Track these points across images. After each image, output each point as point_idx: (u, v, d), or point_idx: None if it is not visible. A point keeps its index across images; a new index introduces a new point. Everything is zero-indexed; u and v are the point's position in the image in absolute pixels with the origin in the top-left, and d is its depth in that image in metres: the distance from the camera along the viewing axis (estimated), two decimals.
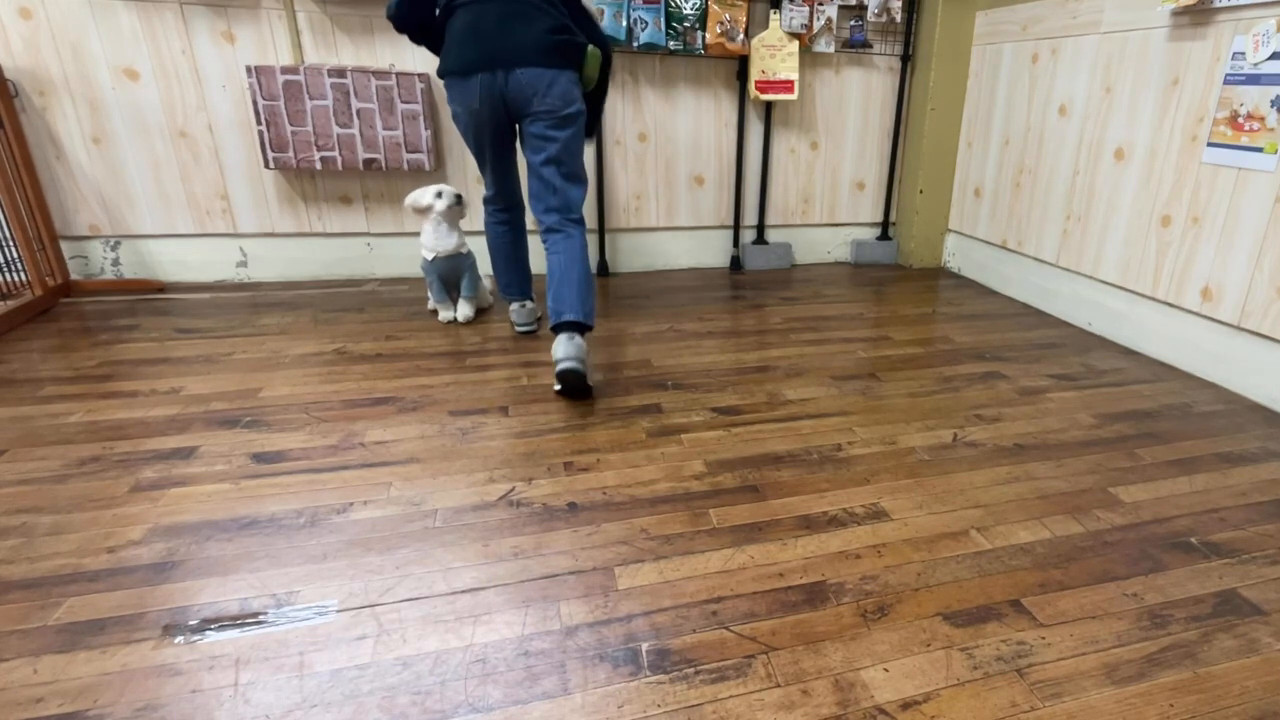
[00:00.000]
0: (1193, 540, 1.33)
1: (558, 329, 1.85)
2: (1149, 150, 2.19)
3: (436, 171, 2.84)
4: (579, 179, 1.99)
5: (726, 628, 1.09)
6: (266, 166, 2.58)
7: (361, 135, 2.60)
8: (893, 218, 3.39)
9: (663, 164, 3.04)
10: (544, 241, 1.98)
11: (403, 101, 2.60)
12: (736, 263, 3.25)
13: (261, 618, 1.09)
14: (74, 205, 2.59)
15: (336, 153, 2.60)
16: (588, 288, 1.90)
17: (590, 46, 1.96)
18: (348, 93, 2.54)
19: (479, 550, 1.26)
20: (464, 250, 2.37)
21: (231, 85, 2.57)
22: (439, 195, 2.29)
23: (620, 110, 2.92)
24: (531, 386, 1.93)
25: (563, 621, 1.10)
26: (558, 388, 1.91)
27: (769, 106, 3.05)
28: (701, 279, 3.07)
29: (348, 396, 1.85)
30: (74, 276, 2.65)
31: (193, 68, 2.53)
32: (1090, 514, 1.41)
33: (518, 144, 2.10)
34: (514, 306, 2.34)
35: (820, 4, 2.89)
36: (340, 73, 2.51)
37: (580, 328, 1.86)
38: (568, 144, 1.96)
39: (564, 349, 1.80)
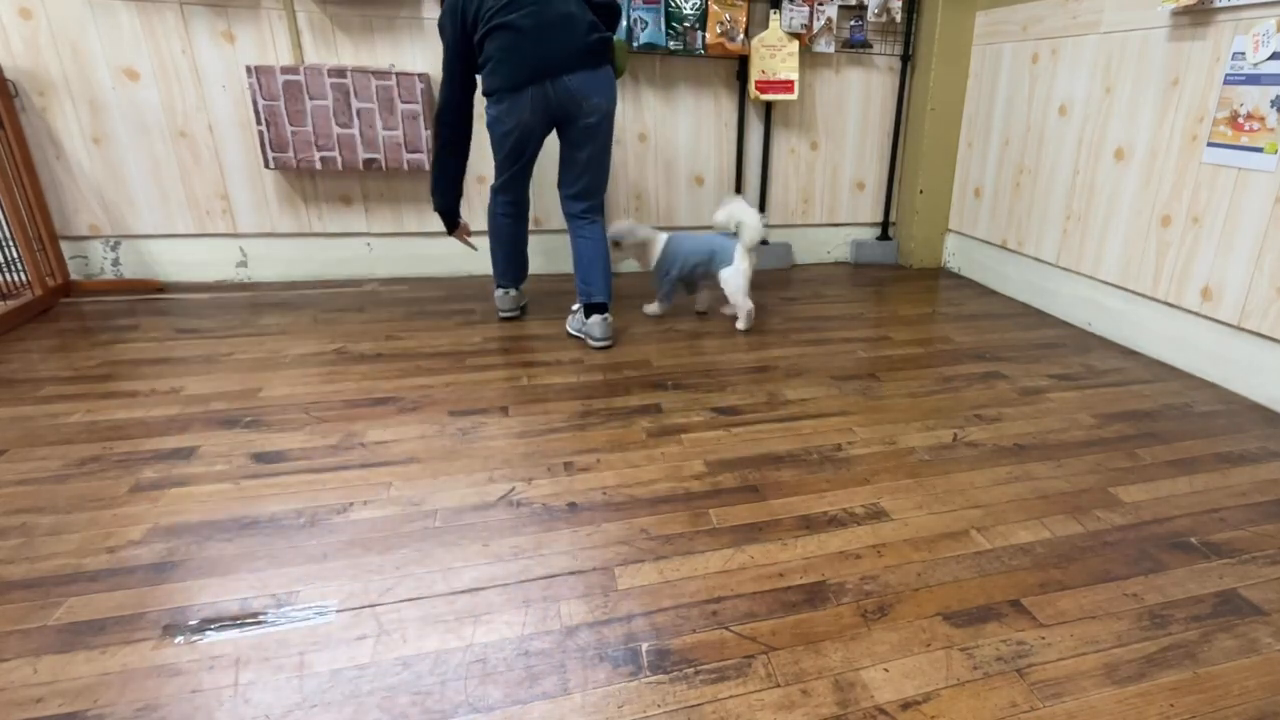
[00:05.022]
0: (1193, 540, 1.33)
1: (590, 309, 2.22)
2: (1149, 150, 2.18)
3: None
4: (608, 170, 2.25)
5: (726, 628, 1.09)
6: (266, 166, 2.58)
7: (361, 135, 2.60)
8: (893, 218, 3.39)
9: (663, 164, 3.04)
10: (572, 227, 2.25)
11: (403, 101, 2.60)
12: None
13: (261, 618, 1.09)
14: (74, 205, 2.59)
15: (336, 153, 2.60)
16: (610, 271, 2.25)
17: (616, 38, 2.14)
18: (348, 93, 2.54)
19: (479, 550, 1.26)
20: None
21: (231, 85, 2.57)
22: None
23: (620, 110, 2.91)
24: (531, 386, 1.93)
25: (563, 621, 1.10)
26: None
27: (769, 106, 3.05)
28: None
29: (348, 396, 1.85)
30: (74, 276, 2.65)
31: (193, 68, 2.53)
32: (1090, 514, 1.41)
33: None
34: (500, 293, 2.46)
35: (820, 4, 2.89)
36: (340, 73, 2.51)
37: (607, 308, 2.23)
38: (608, 136, 2.17)
39: (600, 330, 2.20)
